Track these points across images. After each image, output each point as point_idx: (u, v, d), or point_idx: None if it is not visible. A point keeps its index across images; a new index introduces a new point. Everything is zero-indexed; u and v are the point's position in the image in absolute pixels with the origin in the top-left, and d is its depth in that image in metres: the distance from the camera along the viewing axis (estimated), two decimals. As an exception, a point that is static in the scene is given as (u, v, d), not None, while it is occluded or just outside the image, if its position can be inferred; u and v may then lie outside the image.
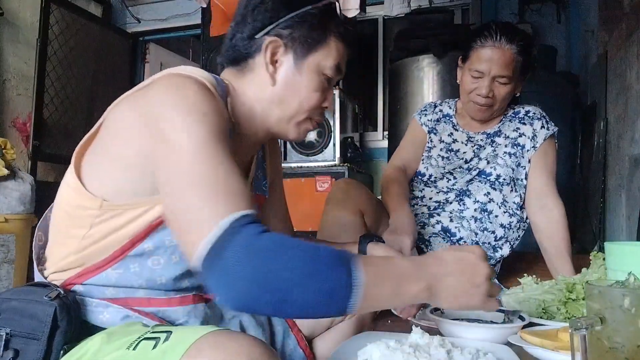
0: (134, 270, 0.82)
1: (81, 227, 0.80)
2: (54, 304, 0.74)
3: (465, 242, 1.59)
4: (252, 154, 1.03)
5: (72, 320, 0.75)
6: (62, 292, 0.76)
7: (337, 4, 0.93)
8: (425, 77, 3.10)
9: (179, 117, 0.73)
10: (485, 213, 1.60)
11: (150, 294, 0.84)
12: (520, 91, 1.62)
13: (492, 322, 1.10)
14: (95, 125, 0.86)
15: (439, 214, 1.63)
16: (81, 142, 0.86)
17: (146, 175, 0.76)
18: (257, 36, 0.90)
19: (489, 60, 1.51)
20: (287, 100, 0.92)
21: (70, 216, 0.83)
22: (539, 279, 1.26)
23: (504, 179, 1.61)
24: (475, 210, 1.60)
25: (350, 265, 0.66)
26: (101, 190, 0.80)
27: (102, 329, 0.77)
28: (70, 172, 0.84)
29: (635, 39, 2.25)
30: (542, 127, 1.62)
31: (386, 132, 3.80)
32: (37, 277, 0.87)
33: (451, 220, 1.61)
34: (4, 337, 0.73)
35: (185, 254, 0.69)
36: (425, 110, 1.80)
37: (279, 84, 0.91)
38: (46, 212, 0.93)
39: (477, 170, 1.63)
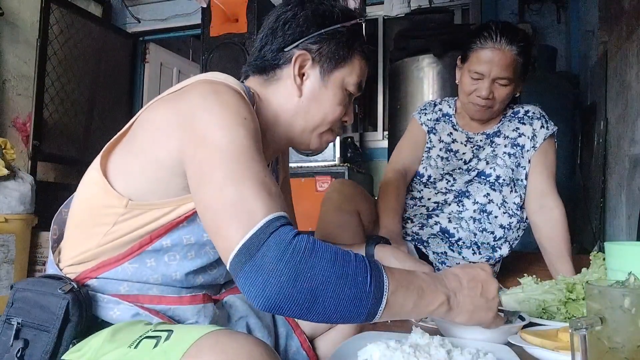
0: (150, 265, 0.83)
1: (104, 224, 0.82)
2: (67, 298, 0.75)
3: (464, 242, 1.59)
4: (269, 160, 1.05)
5: (84, 314, 0.76)
6: (76, 286, 0.78)
7: (363, 25, 1.00)
8: (425, 77, 3.10)
9: (222, 121, 0.75)
10: (485, 214, 1.60)
11: (163, 291, 0.85)
12: (520, 91, 1.62)
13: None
14: (126, 125, 0.87)
15: (437, 215, 1.63)
16: (110, 142, 0.87)
17: (176, 176, 0.79)
18: (286, 49, 0.95)
19: (489, 62, 1.50)
20: (312, 111, 0.96)
21: (94, 213, 0.84)
22: (538, 279, 1.26)
23: (504, 180, 1.60)
24: (474, 211, 1.60)
25: (379, 274, 0.68)
26: (128, 190, 0.81)
27: (112, 325, 0.78)
28: (96, 169, 0.85)
29: (635, 39, 2.25)
30: (542, 126, 1.62)
31: (386, 132, 3.80)
32: (52, 270, 0.88)
33: (450, 221, 1.61)
34: (15, 326, 0.75)
35: (218, 249, 0.70)
36: (425, 109, 1.79)
37: (305, 96, 0.95)
38: (61, 207, 0.95)
39: (477, 171, 1.63)
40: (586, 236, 2.93)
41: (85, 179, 0.88)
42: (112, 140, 0.87)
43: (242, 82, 0.98)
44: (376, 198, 1.70)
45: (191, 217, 0.83)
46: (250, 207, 0.68)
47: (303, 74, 0.95)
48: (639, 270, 0.72)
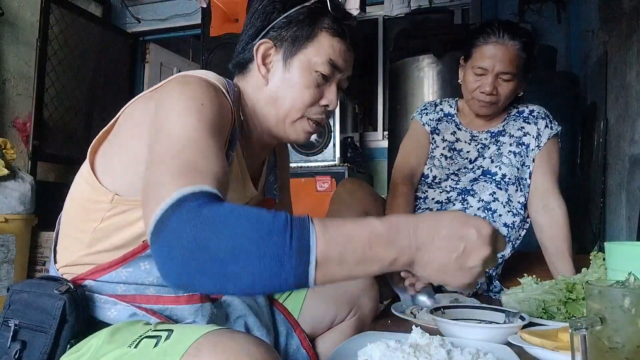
0: (145, 268, 0.83)
1: (93, 220, 0.82)
2: (64, 298, 0.75)
3: None
4: (262, 157, 1.05)
5: (81, 315, 0.76)
6: (72, 286, 0.77)
7: (328, 1, 0.94)
8: (425, 77, 3.10)
9: (177, 105, 0.75)
10: (489, 212, 1.59)
11: (159, 291, 0.85)
12: (523, 90, 1.61)
13: (492, 322, 1.10)
14: (111, 121, 0.88)
15: None
16: (96, 137, 0.88)
17: None
18: (252, 41, 0.95)
19: (492, 57, 1.50)
20: (280, 98, 0.94)
21: (83, 209, 0.84)
22: (539, 279, 1.26)
23: (509, 179, 1.60)
24: (478, 209, 1.60)
25: (303, 230, 0.58)
26: (114, 185, 0.82)
27: (110, 325, 0.78)
28: (85, 165, 0.86)
29: (635, 39, 2.25)
30: (546, 126, 1.62)
31: (386, 132, 3.80)
32: (52, 270, 0.89)
33: None
34: (12, 328, 0.75)
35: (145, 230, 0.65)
36: (426, 109, 1.78)
37: (272, 84, 0.94)
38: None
39: (482, 169, 1.63)
40: (586, 236, 2.93)
41: (78, 174, 0.89)
42: (98, 135, 0.88)
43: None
44: (383, 196, 1.70)
45: None
46: (169, 185, 0.63)
47: (269, 63, 0.94)
48: (639, 270, 0.72)
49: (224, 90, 0.86)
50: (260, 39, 0.94)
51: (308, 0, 0.93)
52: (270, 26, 0.93)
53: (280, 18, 0.92)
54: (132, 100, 0.87)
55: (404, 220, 0.65)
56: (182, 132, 0.71)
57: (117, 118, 0.87)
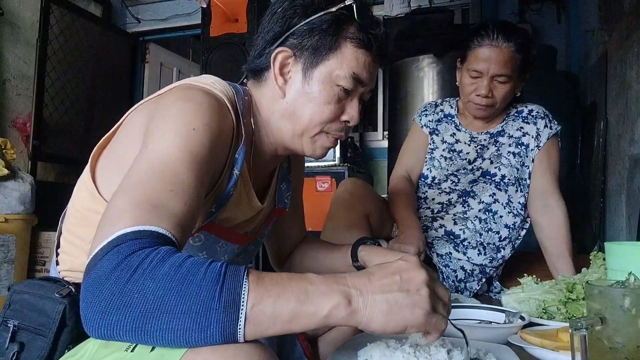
0: None
1: (93, 229, 0.81)
2: (64, 302, 0.73)
3: (469, 243, 1.58)
4: (272, 167, 1.01)
5: (80, 319, 0.75)
6: (74, 289, 0.76)
7: (354, 7, 0.85)
8: (425, 77, 3.10)
9: (167, 127, 0.71)
10: (490, 213, 1.59)
11: None
12: (520, 90, 1.61)
13: (492, 322, 1.10)
14: (113, 127, 0.86)
15: (442, 217, 1.62)
16: (99, 143, 0.86)
17: None
18: (270, 47, 0.87)
19: (487, 59, 1.50)
20: (297, 113, 0.87)
21: (84, 217, 0.83)
22: (539, 279, 1.26)
23: (509, 179, 1.60)
24: (479, 210, 1.60)
25: (236, 285, 0.55)
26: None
27: None
28: (86, 172, 0.85)
29: (635, 39, 2.25)
30: (546, 126, 1.61)
31: (386, 132, 3.80)
32: (54, 271, 0.88)
33: (455, 223, 1.59)
34: (11, 328, 0.74)
35: None
36: (426, 110, 1.78)
37: (289, 97, 0.87)
38: (67, 206, 0.94)
39: (481, 170, 1.62)
40: (586, 236, 2.93)
41: (79, 180, 0.87)
42: (101, 141, 0.86)
43: (244, 83, 0.95)
44: (384, 197, 1.71)
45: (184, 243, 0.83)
46: (118, 219, 0.59)
47: (287, 73, 0.87)
48: (639, 270, 0.72)
49: (228, 105, 0.81)
50: (279, 45, 0.86)
51: (333, 5, 0.85)
52: (289, 32, 0.85)
53: (302, 24, 0.84)
54: (136, 105, 0.84)
55: (334, 275, 0.61)
56: (160, 159, 0.67)
57: (119, 125, 0.85)
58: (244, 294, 0.55)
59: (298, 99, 0.86)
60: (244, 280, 0.56)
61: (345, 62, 0.85)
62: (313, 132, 0.88)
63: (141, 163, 0.68)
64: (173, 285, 0.54)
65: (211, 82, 0.82)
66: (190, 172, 0.68)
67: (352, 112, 0.89)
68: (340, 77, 0.85)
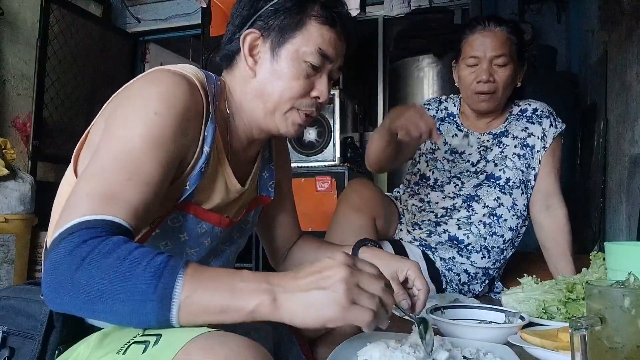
0: None
1: None
2: None
3: (473, 247, 1.56)
4: (252, 152, 1.02)
5: (68, 320, 0.75)
6: None
7: None
8: (425, 77, 3.10)
9: (128, 114, 0.75)
10: (495, 217, 1.57)
11: None
12: (521, 80, 1.59)
13: (492, 322, 1.10)
14: (90, 124, 0.87)
15: (446, 222, 1.58)
16: (79, 142, 0.87)
17: None
18: (240, 31, 0.91)
19: (482, 44, 1.51)
20: (268, 91, 0.90)
21: None
22: (539, 279, 1.26)
23: (514, 182, 1.57)
24: (484, 215, 1.56)
25: (172, 277, 0.61)
26: None
27: (99, 329, 0.76)
28: (69, 171, 0.86)
29: (635, 39, 2.25)
30: (551, 125, 1.59)
31: (386, 132, 3.80)
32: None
33: (459, 228, 1.56)
34: (0, 335, 0.74)
35: None
36: (430, 104, 1.75)
37: (259, 76, 0.91)
38: None
39: (485, 173, 1.59)
40: (586, 236, 2.93)
41: (64, 177, 0.88)
42: (80, 140, 0.87)
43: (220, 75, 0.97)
44: (390, 196, 1.70)
45: (162, 224, 0.83)
46: (77, 207, 0.66)
47: (256, 54, 0.91)
48: (639, 270, 0.72)
49: (198, 85, 0.83)
50: (247, 28, 0.90)
51: None
52: (257, 15, 0.90)
53: (268, 6, 0.89)
54: (108, 101, 0.85)
55: (266, 274, 0.66)
56: (120, 147, 0.72)
57: (95, 121, 0.86)
58: (177, 287, 0.61)
59: (268, 77, 0.90)
60: (180, 274, 0.62)
61: (311, 39, 0.89)
62: (284, 109, 0.91)
63: (102, 150, 0.72)
64: (116, 276, 0.61)
65: (182, 66, 0.85)
66: (150, 158, 0.72)
67: (321, 88, 0.92)
68: (307, 54, 0.89)
